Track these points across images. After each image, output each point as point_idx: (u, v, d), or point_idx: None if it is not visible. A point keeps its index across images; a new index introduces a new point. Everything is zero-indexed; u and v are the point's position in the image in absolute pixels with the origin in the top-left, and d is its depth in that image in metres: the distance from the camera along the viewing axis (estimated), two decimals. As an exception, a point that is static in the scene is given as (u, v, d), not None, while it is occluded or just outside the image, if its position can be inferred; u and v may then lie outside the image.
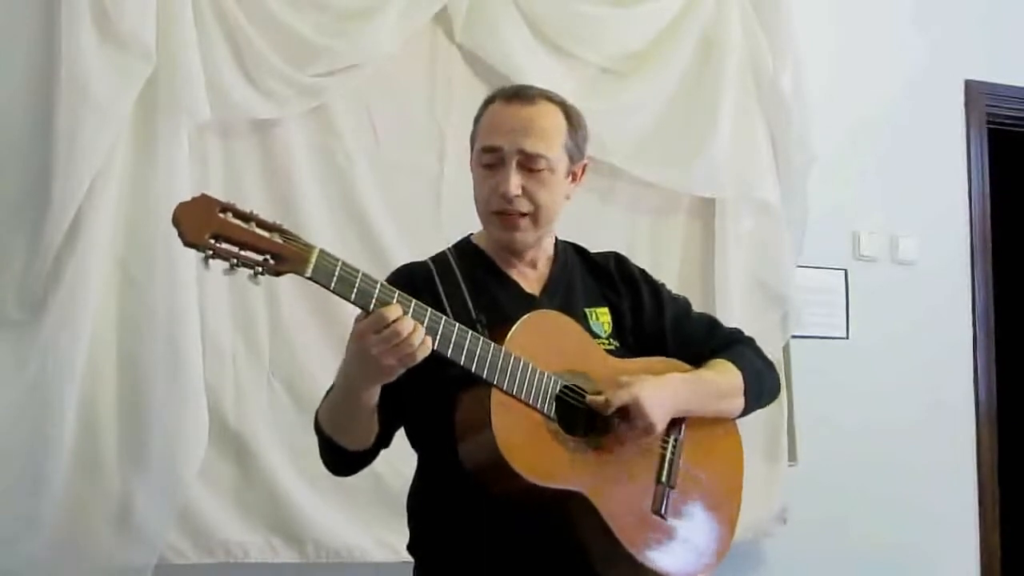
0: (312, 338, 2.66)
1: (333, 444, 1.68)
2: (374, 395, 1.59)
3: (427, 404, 1.69)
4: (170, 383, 2.47)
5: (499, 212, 1.75)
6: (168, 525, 2.48)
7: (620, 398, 1.69)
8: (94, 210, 2.43)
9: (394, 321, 1.50)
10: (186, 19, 2.51)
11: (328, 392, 1.69)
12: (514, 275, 1.82)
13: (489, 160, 1.75)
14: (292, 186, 2.70)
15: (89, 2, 2.41)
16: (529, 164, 1.73)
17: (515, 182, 1.72)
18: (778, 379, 2.02)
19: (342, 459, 1.71)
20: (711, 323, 2.00)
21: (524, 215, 1.75)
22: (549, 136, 1.76)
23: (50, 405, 2.37)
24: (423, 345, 1.52)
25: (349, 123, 2.79)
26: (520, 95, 1.80)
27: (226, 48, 2.60)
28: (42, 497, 2.36)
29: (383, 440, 1.72)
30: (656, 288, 1.93)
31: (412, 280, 1.71)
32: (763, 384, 1.94)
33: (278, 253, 1.47)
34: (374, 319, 1.50)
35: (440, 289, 1.73)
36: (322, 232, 2.67)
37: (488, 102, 1.82)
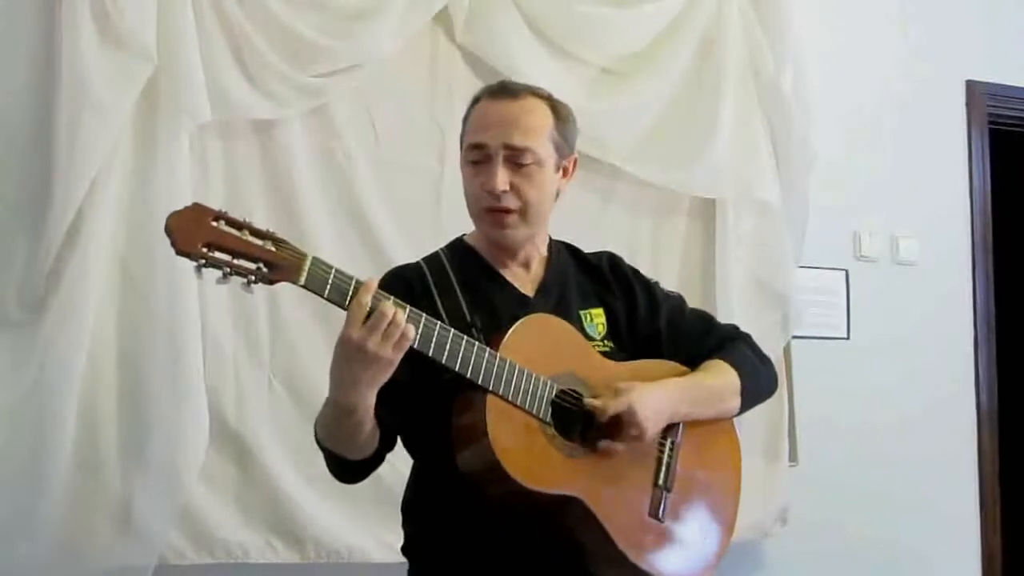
0: (312, 338, 2.66)
1: (336, 457, 1.66)
2: (371, 405, 1.56)
3: (423, 409, 1.68)
4: (170, 383, 2.47)
5: (488, 209, 1.75)
6: (168, 525, 2.48)
7: (615, 406, 1.68)
8: (94, 210, 2.43)
9: (376, 304, 1.48)
10: (186, 19, 2.51)
11: (322, 410, 1.65)
12: (508, 275, 1.81)
13: (476, 157, 1.75)
14: (292, 186, 2.70)
15: (89, 2, 2.42)
16: (516, 159, 1.72)
17: (502, 178, 1.71)
18: (775, 374, 2.01)
19: (348, 470, 1.70)
20: (707, 321, 1.99)
21: (513, 212, 1.74)
22: (535, 130, 1.74)
23: (50, 405, 2.38)
24: (409, 325, 1.50)
25: (349, 123, 2.79)
26: (505, 91, 1.79)
27: (226, 48, 2.60)
28: (42, 497, 2.36)
29: (387, 444, 1.71)
30: (649, 287, 1.92)
31: (405, 283, 1.71)
32: (759, 382, 1.93)
33: (271, 261, 1.46)
34: (356, 311, 1.48)
35: (434, 291, 1.72)
36: (322, 232, 2.68)
37: (475, 101, 1.81)
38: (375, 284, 1.51)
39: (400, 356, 1.51)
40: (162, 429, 2.46)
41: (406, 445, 1.80)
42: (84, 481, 2.42)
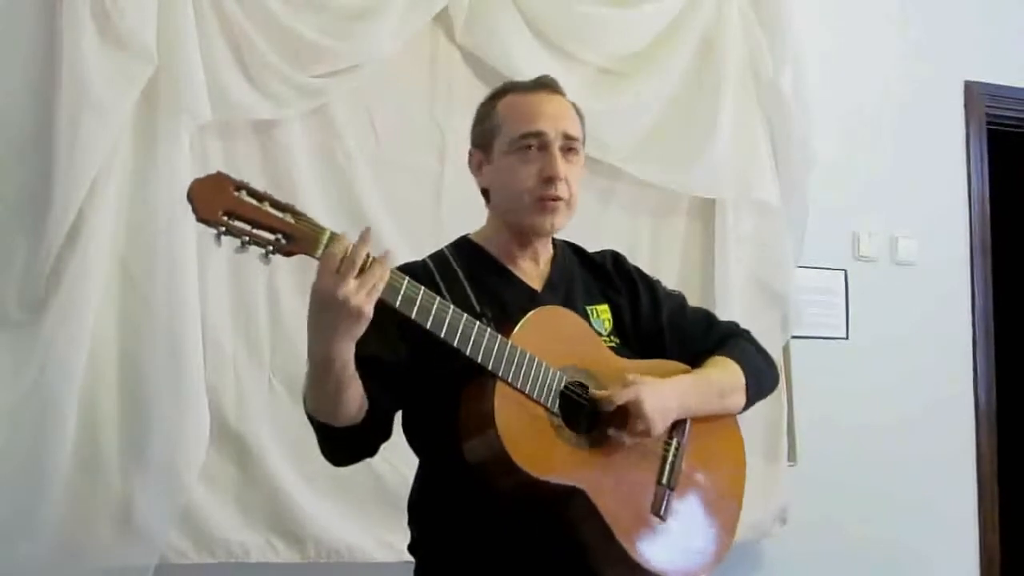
0: (313, 338, 2.66)
1: (322, 426, 1.64)
2: (349, 360, 1.53)
3: (430, 399, 1.68)
4: (171, 383, 2.47)
5: (542, 198, 1.74)
6: (169, 525, 2.48)
7: (623, 396, 1.68)
8: (95, 210, 2.43)
9: (349, 251, 1.46)
10: (186, 19, 2.51)
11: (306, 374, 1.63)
12: (516, 271, 1.81)
13: (530, 146, 1.75)
14: (293, 186, 2.69)
15: (89, 2, 2.42)
16: (568, 147, 1.76)
17: (563, 165, 1.74)
18: (776, 372, 2.02)
19: (334, 440, 1.66)
20: (708, 318, 2.00)
21: (563, 199, 1.75)
22: (578, 124, 1.81)
23: (50, 405, 2.38)
24: (383, 273, 1.48)
25: (349, 123, 2.79)
26: (546, 85, 1.83)
27: (226, 48, 2.60)
28: (42, 497, 2.36)
29: (380, 429, 1.69)
30: (652, 285, 1.93)
31: (412, 278, 1.71)
32: (762, 378, 1.94)
33: (290, 233, 1.46)
34: (326, 261, 1.46)
35: (441, 286, 1.72)
36: (322, 232, 2.67)
37: (499, 96, 1.82)
38: (347, 239, 1.48)
39: (371, 304, 1.47)
40: (162, 429, 2.46)
41: (411, 442, 1.79)
42: (84, 481, 2.42)
